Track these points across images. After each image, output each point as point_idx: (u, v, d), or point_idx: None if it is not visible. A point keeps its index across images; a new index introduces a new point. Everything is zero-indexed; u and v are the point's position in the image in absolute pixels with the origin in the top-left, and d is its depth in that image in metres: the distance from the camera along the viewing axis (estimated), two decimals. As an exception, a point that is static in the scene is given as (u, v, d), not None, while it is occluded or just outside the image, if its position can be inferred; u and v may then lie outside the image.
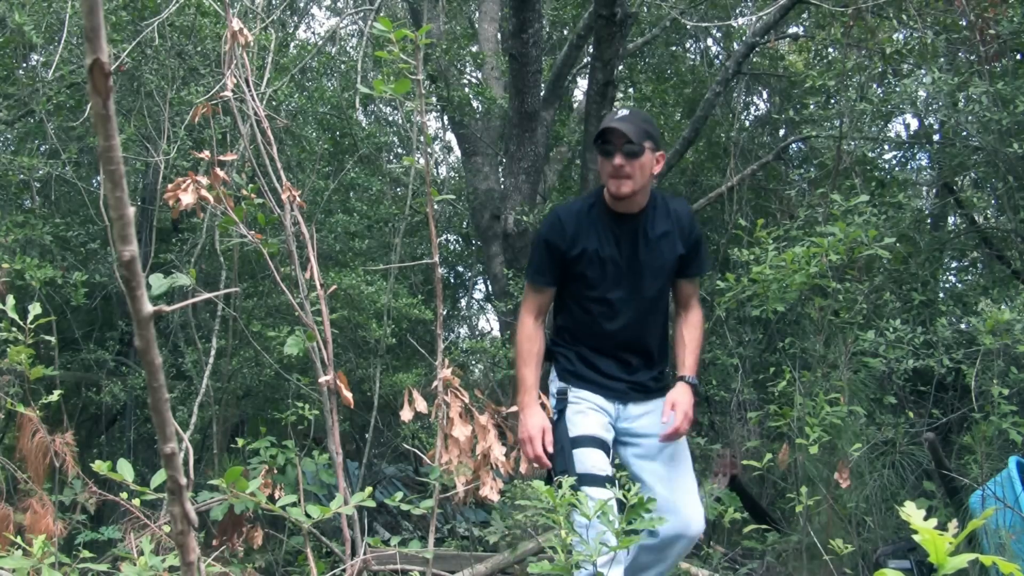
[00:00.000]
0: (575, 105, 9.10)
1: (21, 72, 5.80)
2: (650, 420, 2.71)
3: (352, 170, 6.49)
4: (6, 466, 3.45)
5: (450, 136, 9.40)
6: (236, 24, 2.83)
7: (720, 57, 8.74)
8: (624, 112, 2.68)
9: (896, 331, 4.17)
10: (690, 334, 2.79)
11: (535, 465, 2.62)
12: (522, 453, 2.63)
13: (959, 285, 6.67)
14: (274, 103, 5.40)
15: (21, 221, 5.32)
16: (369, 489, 2.40)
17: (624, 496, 2.03)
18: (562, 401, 2.67)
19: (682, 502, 2.63)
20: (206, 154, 2.91)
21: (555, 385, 2.78)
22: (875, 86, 5.70)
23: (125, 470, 2.14)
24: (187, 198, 2.66)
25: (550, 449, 2.57)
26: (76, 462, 3.41)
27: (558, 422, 2.63)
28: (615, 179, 2.61)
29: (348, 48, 8.47)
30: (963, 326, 4.60)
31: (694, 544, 2.72)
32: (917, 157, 6.80)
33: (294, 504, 2.36)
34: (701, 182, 8.01)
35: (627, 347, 2.74)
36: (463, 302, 9.98)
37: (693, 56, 8.98)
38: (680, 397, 2.62)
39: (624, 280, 2.71)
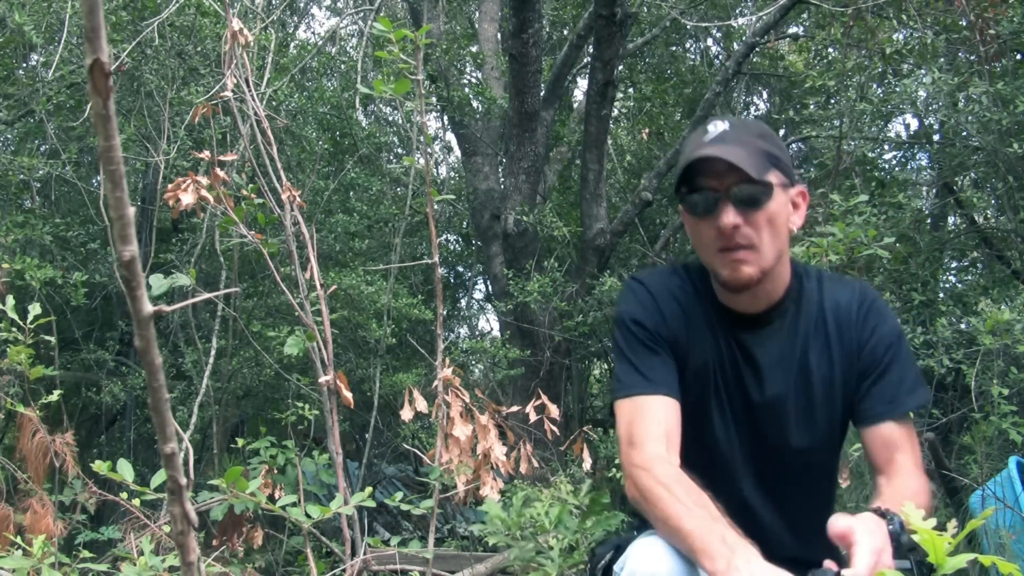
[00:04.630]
0: (575, 105, 9.10)
1: (21, 72, 5.80)
2: None
3: (352, 170, 6.50)
4: (6, 466, 3.45)
5: (450, 136, 9.41)
6: (236, 24, 2.83)
7: (720, 57, 8.74)
8: (722, 125, 1.49)
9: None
10: (895, 490, 1.48)
11: None
12: None
13: (959, 285, 6.66)
14: (274, 103, 5.40)
15: (21, 221, 5.33)
16: (369, 489, 2.39)
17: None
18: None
19: None
20: (206, 154, 2.91)
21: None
22: (875, 86, 5.70)
23: (125, 470, 2.14)
24: (187, 198, 2.66)
25: None
26: (76, 462, 3.41)
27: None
28: (726, 253, 1.50)
29: (348, 48, 8.47)
30: (963, 326, 4.59)
31: None
32: (917, 157, 6.81)
33: (294, 504, 2.36)
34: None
35: (754, 524, 1.51)
36: (463, 302, 9.98)
37: (693, 56, 8.98)
38: (863, 526, 1.25)
39: (740, 423, 1.61)
